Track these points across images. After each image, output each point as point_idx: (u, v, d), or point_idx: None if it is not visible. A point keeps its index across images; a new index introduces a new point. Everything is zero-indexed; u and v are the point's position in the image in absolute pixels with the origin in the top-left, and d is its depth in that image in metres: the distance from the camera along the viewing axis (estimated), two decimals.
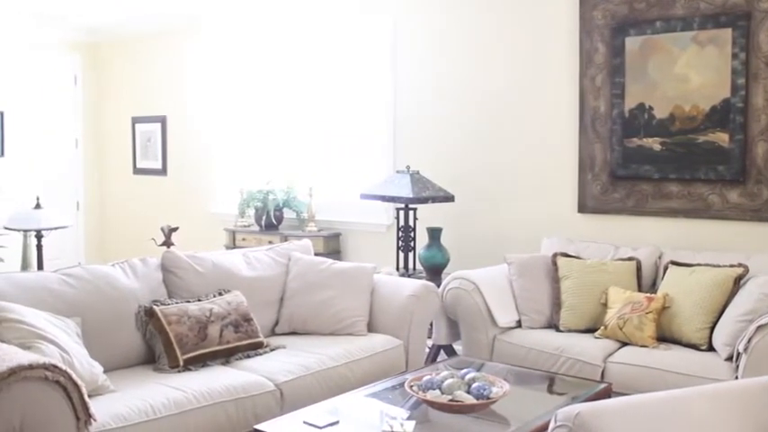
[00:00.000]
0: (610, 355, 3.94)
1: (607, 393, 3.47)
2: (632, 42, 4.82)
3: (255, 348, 3.85)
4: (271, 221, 6.48)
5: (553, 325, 4.38)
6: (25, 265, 5.80)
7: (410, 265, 5.46)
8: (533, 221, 5.28)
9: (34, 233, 5.63)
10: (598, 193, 5.03)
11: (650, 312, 4.02)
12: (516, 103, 5.39)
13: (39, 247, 5.65)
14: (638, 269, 4.42)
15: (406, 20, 5.93)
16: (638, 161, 4.85)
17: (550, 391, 3.65)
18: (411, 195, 5.14)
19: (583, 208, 5.10)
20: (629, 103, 4.86)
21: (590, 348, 3.99)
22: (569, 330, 4.28)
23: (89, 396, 2.77)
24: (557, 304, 4.40)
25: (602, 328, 4.16)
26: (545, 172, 5.27)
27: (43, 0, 7.08)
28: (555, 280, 4.48)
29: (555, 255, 4.58)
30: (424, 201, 5.22)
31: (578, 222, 5.12)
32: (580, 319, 4.30)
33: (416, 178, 5.29)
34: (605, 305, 4.26)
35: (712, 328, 3.89)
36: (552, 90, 5.21)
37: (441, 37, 5.75)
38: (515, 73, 5.38)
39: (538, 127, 5.30)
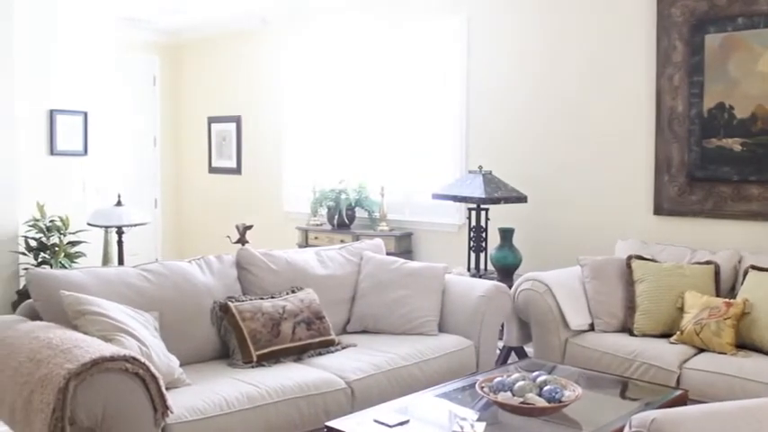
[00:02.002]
0: (686, 360, 3.85)
1: (683, 400, 3.39)
2: (712, 40, 4.70)
3: (327, 346, 3.89)
4: (343, 220, 6.54)
5: (627, 329, 4.29)
6: (106, 261, 5.98)
7: (482, 266, 5.44)
8: (607, 223, 5.20)
9: (115, 229, 5.80)
10: (675, 195, 4.92)
11: (729, 318, 3.90)
12: (591, 102, 5.31)
13: (119, 243, 5.81)
14: (717, 273, 4.30)
15: (480, 19, 5.90)
16: (717, 162, 4.72)
17: (624, 396, 3.58)
18: (483, 196, 5.12)
19: (659, 210, 4.99)
20: (708, 102, 4.73)
21: (665, 353, 3.91)
22: (644, 335, 4.19)
23: (166, 388, 2.85)
24: (631, 308, 4.32)
25: (677, 333, 4.06)
26: (620, 173, 5.18)
27: (124, 3, 7.29)
28: (629, 283, 4.40)
29: (630, 257, 4.49)
30: (496, 201, 5.19)
31: (654, 225, 5.02)
32: (655, 324, 4.21)
33: (489, 178, 5.27)
34: (681, 310, 4.16)
35: None
36: (628, 89, 5.12)
37: (514, 36, 5.71)
38: (590, 72, 5.31)
39: (613, 127, 5.21)
